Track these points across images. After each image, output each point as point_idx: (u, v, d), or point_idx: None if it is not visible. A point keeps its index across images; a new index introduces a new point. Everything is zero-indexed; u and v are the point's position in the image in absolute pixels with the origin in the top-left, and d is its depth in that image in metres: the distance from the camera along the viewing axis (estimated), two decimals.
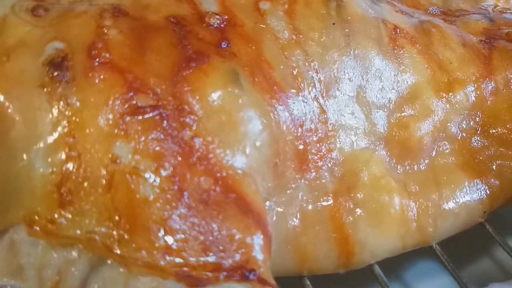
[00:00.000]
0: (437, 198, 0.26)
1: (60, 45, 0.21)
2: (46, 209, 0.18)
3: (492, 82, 0.30)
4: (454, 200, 0.26)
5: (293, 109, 0.24)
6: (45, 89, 0.20)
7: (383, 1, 0.31)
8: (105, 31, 0.22)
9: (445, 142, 0.28)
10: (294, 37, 0.25)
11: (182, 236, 0.18)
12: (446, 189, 0.26)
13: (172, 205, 0.18)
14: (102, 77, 0.20)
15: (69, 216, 0.18)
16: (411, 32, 0.30)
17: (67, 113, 0.19)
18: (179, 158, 0.19)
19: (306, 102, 0.25)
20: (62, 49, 0.21)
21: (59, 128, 0.19)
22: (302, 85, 0.25)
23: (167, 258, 0.18)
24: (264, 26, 0.25)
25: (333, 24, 0.26)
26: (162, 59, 0.22)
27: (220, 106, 0.21)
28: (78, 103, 0.19)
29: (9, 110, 0.19)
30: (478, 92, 0.29)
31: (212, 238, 0.19)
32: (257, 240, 0.20)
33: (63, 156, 0.19)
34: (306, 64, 0.25)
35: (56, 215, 0.18)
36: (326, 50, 0.26)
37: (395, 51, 0.28)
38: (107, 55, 0.21)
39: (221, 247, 0.19)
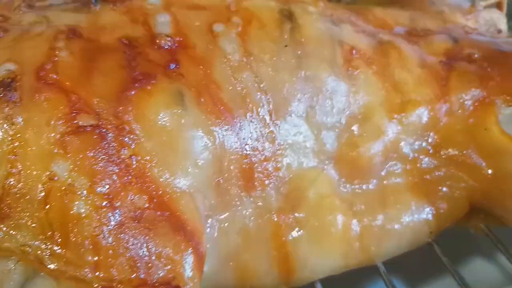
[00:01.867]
0: (382, 218, 0.27)
1: (12, 66, 0.22)
2: None
3: (447, 104, 0.30)
4: (399, 221, 0.27)
5: (239, 128, 0.25)
6: None
7: (345, 21, 0.32)
8: (57, 53, 0.23)
9: (396, 162, 0.29)
10: (245, 59, 0.26)
11: (111, 252, 0.19)
12: (392, 209, 0.27)
13: (103, 222, 0.19)
14: (47, 97, 0.21)
15: (6, 229, 0.19)
16: (369, 53, 0.30)
17: (11, 132, 0.20)
18: (115, 177, 0.20)
19: (253, 122, 0.26)
20: (13, 70, 0.22)
21: (4, 146, 0.20)
22: (250, 105, 0.26)
23: (95, 273, 0.19)
24: (215, 48, 0.26)
25: (285, 46, 0.27)
26: (108, 80, 0.23)
27: (161, 126, 0.22)
28: (22, 122, 0.21)
29: None
30: (432, 113, 0.30)
31: (141, 254, 0.20)
32: (187, 257, 0.21)
33: (5, 172, 0.20)
34: (255, 85, 0.26)
35: None
36: (276, 71, 0.27)
37: (349, 72, 0.29)
38: (54, 76, 0.22)
39: (149, 264, 0.20)
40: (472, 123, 0.30)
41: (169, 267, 0.20)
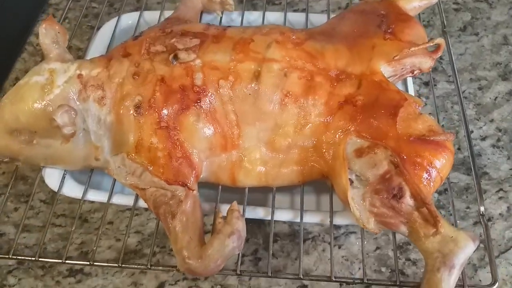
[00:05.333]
0: (274, 166, 0.64)
1: (139, 98, 0.61)
2: None
3: (328, 128, 0.62)
4: (285, 171, 0.64)
5: (221, 129, 0.62)
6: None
7: (296, 70, 0.63)
8: (154, 92, 0.61)
9: (295, 148, 0.64)
10: (230, 97, 0.61)
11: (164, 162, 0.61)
12: (284, 167, 0.64)
13: (168, 149, 0.61)
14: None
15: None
16: (298, 93, 0.62)
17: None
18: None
19: (227, 125, 0.62)
20: (140, 100, 0.61)
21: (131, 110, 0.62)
22: (229, 117, 0.62)
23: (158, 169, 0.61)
24: (217, 92, 0.61)
25: (249, 94, 0.61)
26: (172, 101, 0.61)
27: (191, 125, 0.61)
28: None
29: None
30: (316, 130, 0.62)
31: (176, 170, 0.61)
32: (192, 175, 0.61)
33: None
34: (231, 107, 0.62)
35: None
36: (243, 103, 0.62)
37: (282, 105, 0.62)
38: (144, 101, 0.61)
39: (178, 173, 0.61)
40: (336, 139, 0.62)
41: (185, 179, 0.61)
